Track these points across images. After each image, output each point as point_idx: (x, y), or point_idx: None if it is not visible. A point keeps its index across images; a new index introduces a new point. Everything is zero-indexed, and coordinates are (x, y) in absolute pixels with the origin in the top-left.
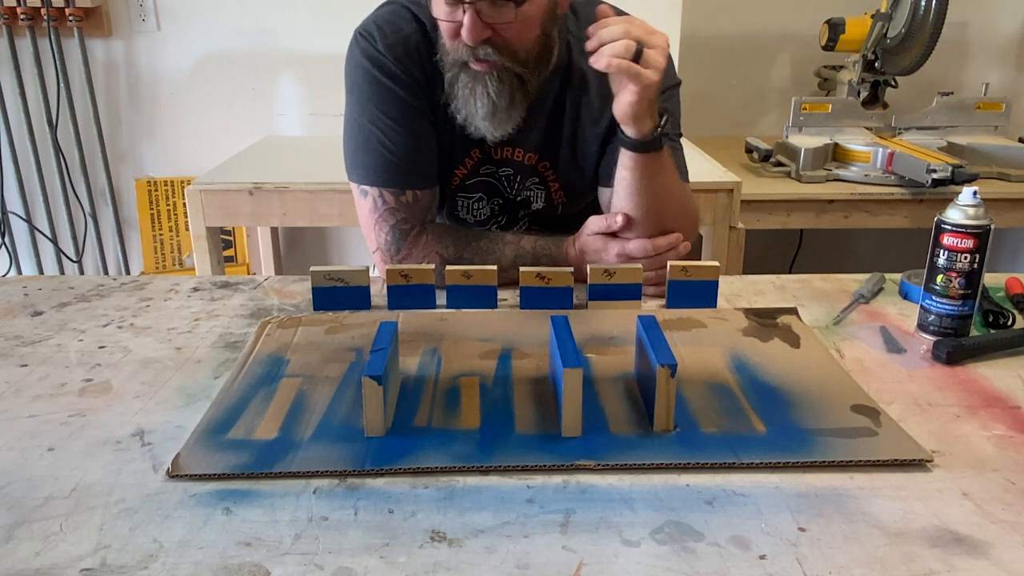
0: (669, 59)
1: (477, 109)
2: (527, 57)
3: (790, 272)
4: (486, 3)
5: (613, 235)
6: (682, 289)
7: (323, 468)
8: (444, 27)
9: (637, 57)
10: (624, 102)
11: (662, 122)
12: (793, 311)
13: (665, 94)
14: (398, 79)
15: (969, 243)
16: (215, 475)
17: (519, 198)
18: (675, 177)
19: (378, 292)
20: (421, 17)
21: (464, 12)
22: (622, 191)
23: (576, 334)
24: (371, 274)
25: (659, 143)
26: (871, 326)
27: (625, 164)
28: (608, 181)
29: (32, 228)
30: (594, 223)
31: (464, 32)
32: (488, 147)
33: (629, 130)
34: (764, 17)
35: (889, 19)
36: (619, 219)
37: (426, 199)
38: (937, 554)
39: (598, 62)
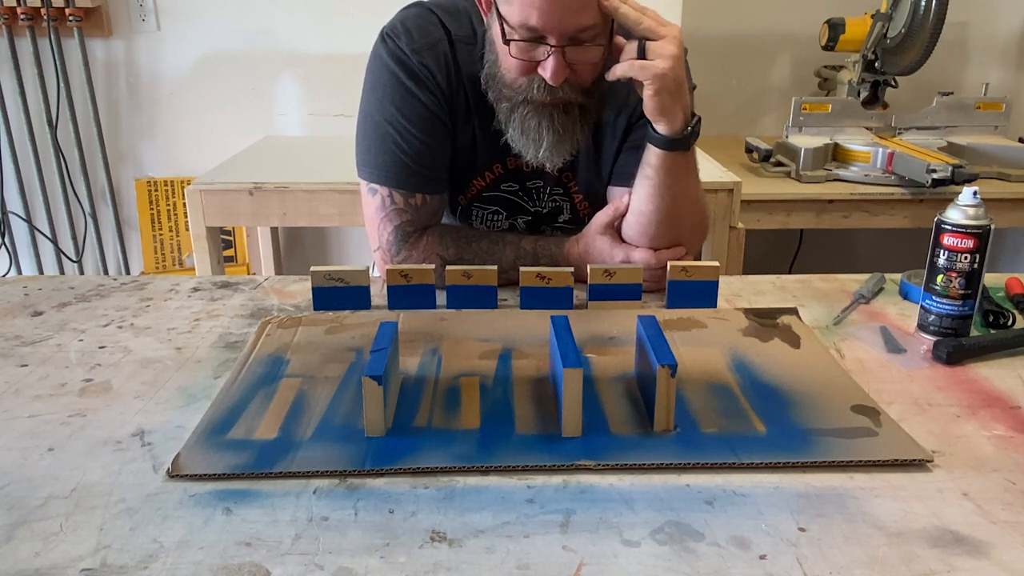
0: (686, 54)
1: (542, 141)
2: (592, 88)
3: (790, 272)
4: (572, 46)
5: (619, 240)
6: (682, 289)
7: (323, 468)
8: (513, 63)
9: (643, 54)
10: (646, 99)
11: (694, 122)
12: (793, 311)
13: None
14: (421, 83)
15: (969, 243)
16: (215, 475)
17: (546, 210)
18: (697, 184)
19: (378, 292)
20: (448, 25)
21: (549, 54)
22: (643, 191)
23: (576, 334)
24: (371, 274)
25: (687, 143)
26: (871, 326)
27: (650, 161)
28: (619, 180)
29: (32, 228)
30: (602, 215)
31: (550, 74)
32: (513, 163)
33: (659, 126)
34: (764, 17)
35: (889, 19)
36: (625, 199)
37: (434, 203)
38: (937, 554)
39: (611, 75)
